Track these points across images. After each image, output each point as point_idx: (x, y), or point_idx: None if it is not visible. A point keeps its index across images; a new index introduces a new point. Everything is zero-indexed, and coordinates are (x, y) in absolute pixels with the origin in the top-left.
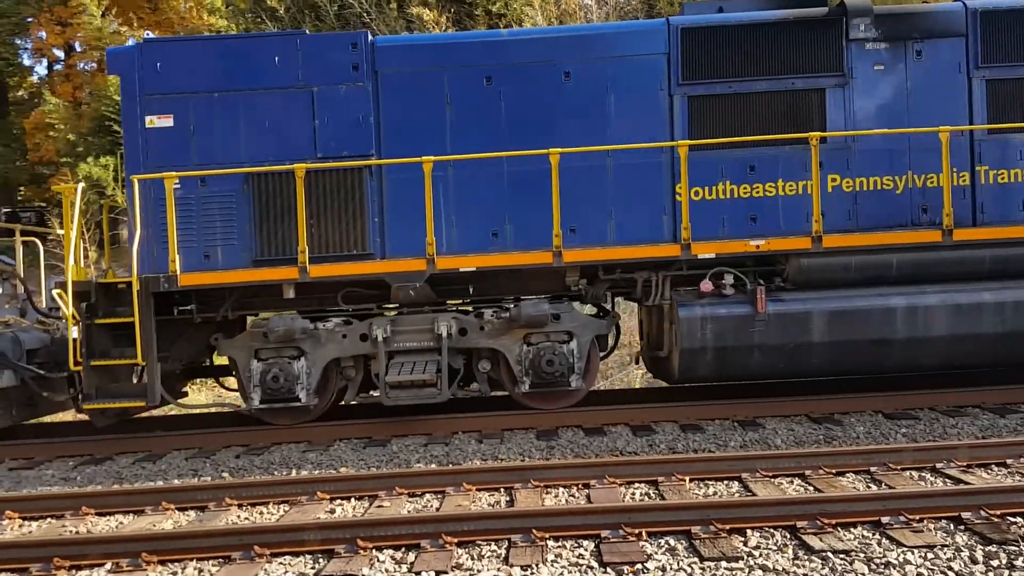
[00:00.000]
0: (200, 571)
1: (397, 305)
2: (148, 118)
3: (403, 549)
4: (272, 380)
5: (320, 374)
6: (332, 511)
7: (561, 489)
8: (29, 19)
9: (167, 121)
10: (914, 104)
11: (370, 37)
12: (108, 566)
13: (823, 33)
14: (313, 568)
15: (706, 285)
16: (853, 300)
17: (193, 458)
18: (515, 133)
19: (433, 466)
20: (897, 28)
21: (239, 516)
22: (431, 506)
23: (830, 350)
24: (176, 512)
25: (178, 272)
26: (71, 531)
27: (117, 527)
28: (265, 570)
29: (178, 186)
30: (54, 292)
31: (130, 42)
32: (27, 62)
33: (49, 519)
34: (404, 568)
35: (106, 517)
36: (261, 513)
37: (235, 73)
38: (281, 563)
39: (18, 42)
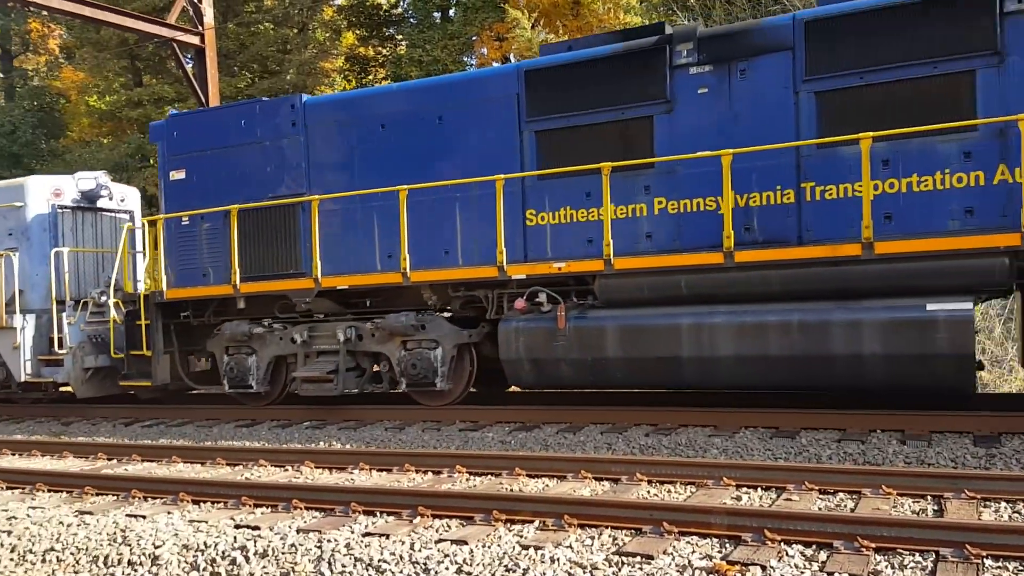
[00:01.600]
0: (614, 539)
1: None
2: (171, 172)
3: (813, 547)
4: (230, 371)
5: (267, 367)
6: (738, 498)
7: (1004, 503)
8: (474, 37)
9: (181, 174)
10: (740, 124)
11: (303, 98)
12: (536, 523)
13: (650, 62)
14: (720, 551)
15: (519, 303)
16: (641, 318)
17: (607, 432)
18: (402, 172)
19: (848, 464)
20: (720, 50)
21: (648, 492)
22: (844, 506)
23: (625, 364)
24: (592, 481)
25: (165, 288)
26: (507, 488)
27: (543, 489)
28: (673, 547)
29: (187, 222)
30: (110, 302)
31: (171, 111)
32: None
33: (489, 475)
34: (815, 567)
35: (535, 479)
36: (669, 491)
37: (219, 135)
38: (688, 542)
39: (464, 59)
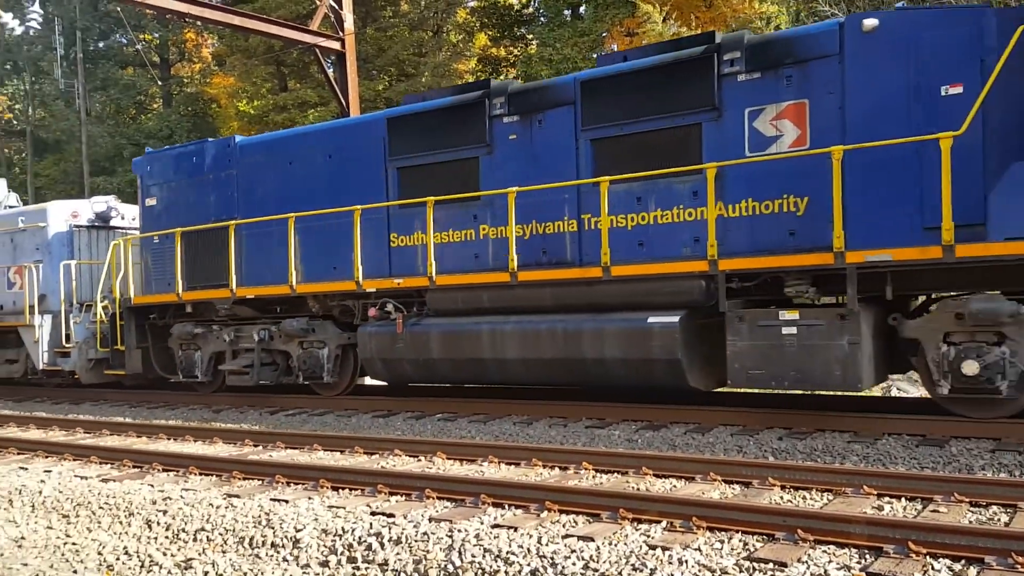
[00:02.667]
0: (745, 544)
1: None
2: (146, 200)
3: (962, 562)
4: (181, 363)
5: (208, 360)
6: (880, 507)
7: None
8: (604, 34)
9: (153, 201)
10: (540, 164)
11: (237, 139)
12: (663, 524)
13: (474, 113)
14: (859, 562)
15: (372, 312)
16: (456, 326)
17: (738, 435)
18: (301, 201)
19: (1003, 475)
20: (525, 103)
21: (781, 497)
22: (998, 520)
23: (447, 363)
24: (722, 484)
25: (132, 295)
26: (633, 487)
27: (671, 489)
28: (808, 555)
29: (157, 242)
30: (99, 305)
31: (147, 149)
32: None
33: (616, 474)
34: None
35: (662, 479)
36: (804, 498)
37: (179, 169)
38: (824, 551)
39: (595, 56)
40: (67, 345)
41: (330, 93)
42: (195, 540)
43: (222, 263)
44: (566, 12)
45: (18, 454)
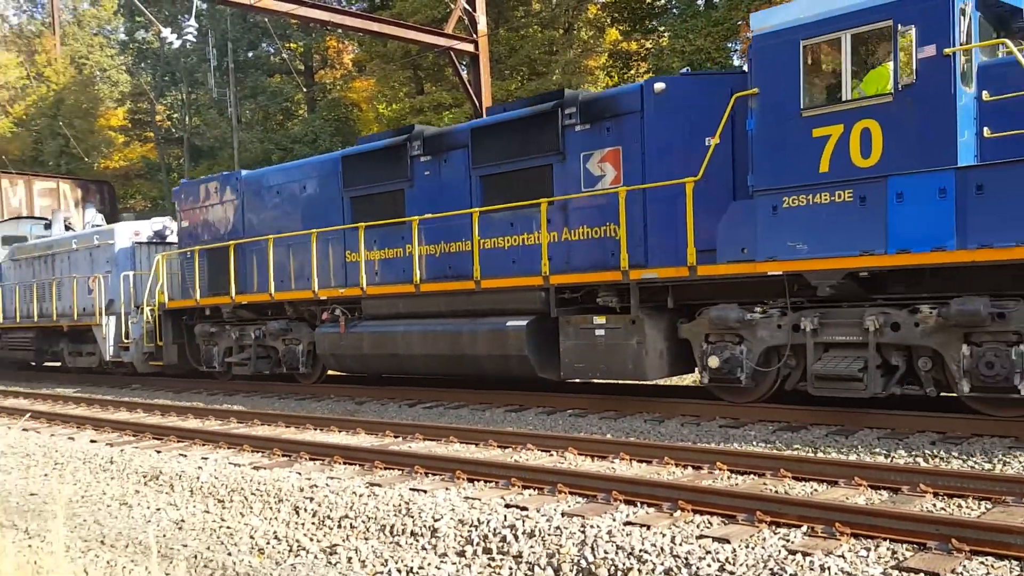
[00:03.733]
0: (893, 552)
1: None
2: (181, 222)
3: None
4: (203, 356)
5: (222, 354)
6: None
7: None
8: (740, 22)
9: (186, 223)
10: (446, 195)
11: (242, 173)
12: (804, 528)
13: (400, 154)
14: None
15: (324, 315)
16: (380, 327)
17: (885, 438)
18: (281, 224)
19: None
20: (436, 145)
21: (934, 505)
22: None
23: (376, 359)
24: (867, 489)
25: (166, 301)
26: (771, 489)
27: (812, 493)
28: (964, 566)
29: (186, 256)
30: (147, 308)
31: (182, 180)
32: (736, 62)
33: (752, 475)
34: None
35: (802, 482)
36: (959, 506)
37: (204, 196)
38: (982, 563)
39: (729, 45)
40: (126, 341)
41: (464, 94)
42: (339, 527)
43: (226, 275)
44: (699, 2)
45: (178, 441)
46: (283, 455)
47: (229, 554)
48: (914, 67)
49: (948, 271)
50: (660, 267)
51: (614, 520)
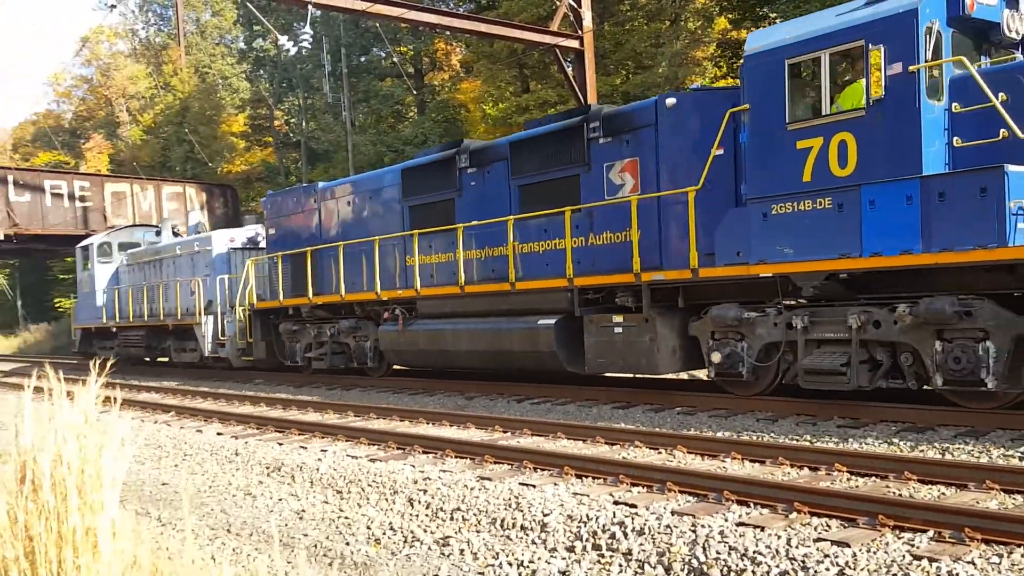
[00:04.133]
0: None
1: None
2: (269, 230)
3: None
4: (287, 352)
5: (303, 350)
6: None
7: None
8: None
9: (273, 231)
10: (490, 203)
11: (320, 184)
12: (930, 533)
13: (450, 166)
14: None
15: (386, 315)
16: (432, 325)
17: (1020, 440)
18: (354, 231)
19: None
20: (480, 158)
21: None
22: None
23: (431, 354)
24: (1000, 493)
25: (255, 302)
26: (894, 492)
27: (939, 497)
28: None
29: (274, 261)
30: (239, 309)
31: (268, 192)
32: None
33: (873, 477)
34: None
35: (927, 485)
36: None
37: (286, 207)
38: None
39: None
40: (222, 338)
41: (569, 91)
42: (452, 519)
43: (304, 278)
44: None
45: (298, 434)
46: (397, 448)
47: (347, 543)
48: (883, 83)
49: (919, 272)
50: (669, 270)
51: (726, 520)
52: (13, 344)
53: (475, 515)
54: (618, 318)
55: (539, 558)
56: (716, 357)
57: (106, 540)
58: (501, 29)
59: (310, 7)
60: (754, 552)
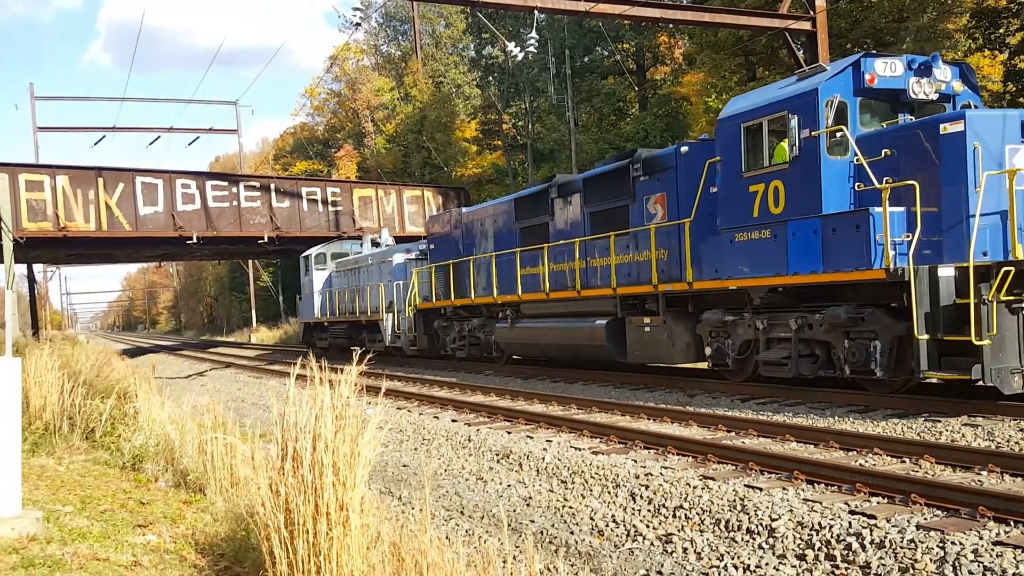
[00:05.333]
0: None
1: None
2: (429, 244)
3: None
4: (441, 342)
5: (451, 342)
6: None
7: None
8: None
9: (432, 246)
10: (570, 226)
11: (463, 210)
12: None
13: (545, 196)
14: None
15: (500, 315)
16: (531, 323)
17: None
18: (484, 246)
19: None
20: (564, 190)
21: None
22: None
23: (534, 346)
24: None
25: (419, 303)
26: None
27: None
28: None
29: (430, 271)
30: (408, 308)
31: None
32: None
33: None
34: None
35: None
36: None
37: (440, 226)
38: None
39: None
40: (398, 331)
41: None
42: (674, 516)
43: (447, 285)
44: None
45: (525, 424)
46: (619, 442)
47: (571, 533)
48: (798, 144)
49: (828, 286)
50: (678, 282)
51: (980, 538)
52: (276, 335)
53: (698, 514)
54: (647, 319)
55: (766, 563)
56: (708, 351)
57: (355, 515)
58: (726, 17)
59: (535, 11)
60: (1014, 575)
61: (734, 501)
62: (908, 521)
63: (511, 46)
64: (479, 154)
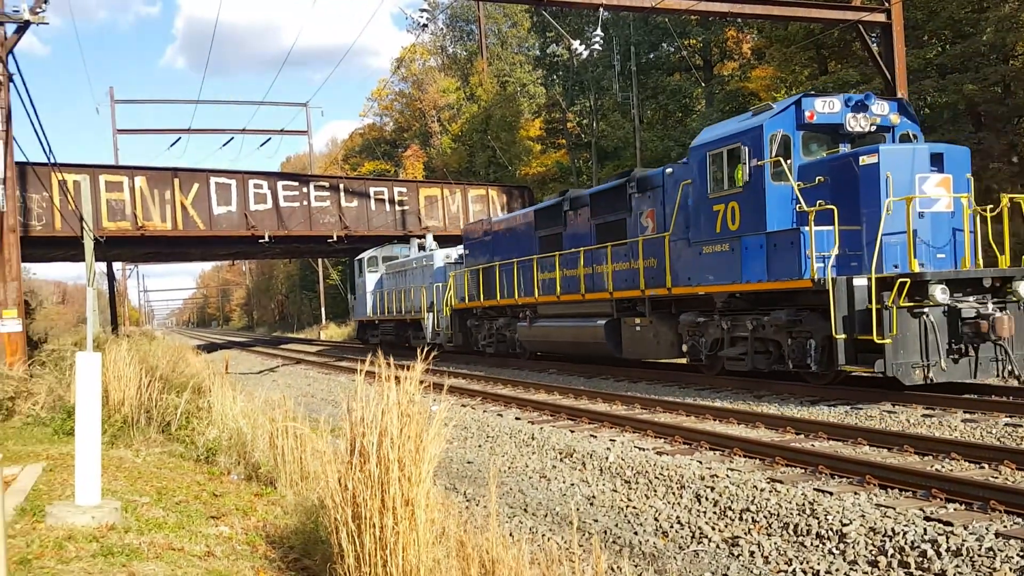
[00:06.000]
0: None
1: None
2: (465, 250)
3: None
4: (474, 339)
5: (483, 339)
6: None
7: None
8: None
9: (467, 251)
10: (579, 236)
11: (492, 218)
12: None
13: (559, 209)
14: None
15: (520, 315)
16: (545, 321)
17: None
18: (509, 253)
19: None
20: (575, 203)
21: None
22: None
23: (549, 343)
24: None
25: (454, 304)
26: None
27: None
28: None
29: (463, 275)
30: (446, 308)
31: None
32: None
33: None
34: None
35: None
36: None
37: (473, 233)
38: None
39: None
40: (437, 328)
41: (875, 69)
42: (740, 519)
43: (477, 288)
44: None
45: (589, 423)
46: (684, 443)
47: (635, 533)
48: (749, 171)
49: (773, 293)
50: (661, 288)
51: None
52: (344, 332)
53: (765, 517)
54: (638, 320)
55: (837, 570)
56: (685, 348)
57: (420, 510)
58: (797, 10)
59: (601, 9)
60: None
61: (803, 505)
62: (987, 529)
63: (576, 44)
64: (543, 153)
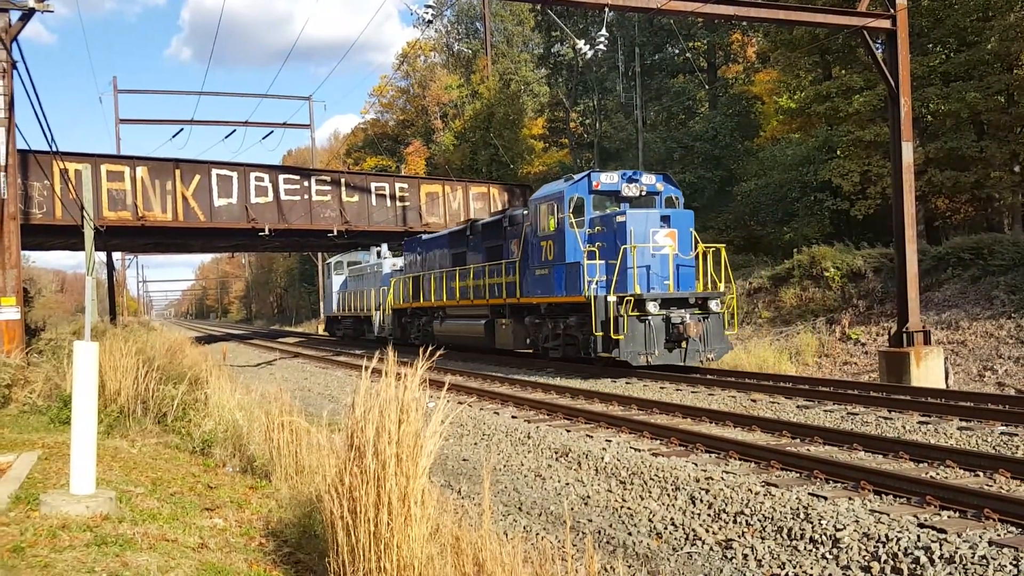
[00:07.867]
0: None
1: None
2: (404, 260)
3: None
4: (408, 333)
5: (412, 332)
6: None
7: None
8: None
9: (405, 262)
10: (477, 255)
11: (423, 236)
12: None
13: (464, 234)
14: None
15: (437, 315)
16: (448, 321)
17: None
18: (433, 265)
19: None
20: (474, 231)
21: None
22: None
23: (454, 337)
24: None
25: (393, 304)
26: None
27: None
28: None
29: (399, 282)
30: (387, 307)
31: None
32: None
33: None
34: None
35: None
36: None
37: (410, 248)
38: None
39: None
40: (383, 324)
41: (878, 75)
42: (735, 522)
43: (409, 292)
44: None
45: (585, 423)
46: (680, 444)
47: (629, 534)
48: (557, 222)
49: (571, 304)
50: (513, 298)
51: None
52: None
53: (759, 521)
54: (503, 321)
55: (830, 574)
56: (528, 341)
57: (416, 506)
58: (802, 15)
59: (606, 9)
60: None
61: (797, 509)
62: (980, 537)
63: (581, 44)
64: (546, 151)
